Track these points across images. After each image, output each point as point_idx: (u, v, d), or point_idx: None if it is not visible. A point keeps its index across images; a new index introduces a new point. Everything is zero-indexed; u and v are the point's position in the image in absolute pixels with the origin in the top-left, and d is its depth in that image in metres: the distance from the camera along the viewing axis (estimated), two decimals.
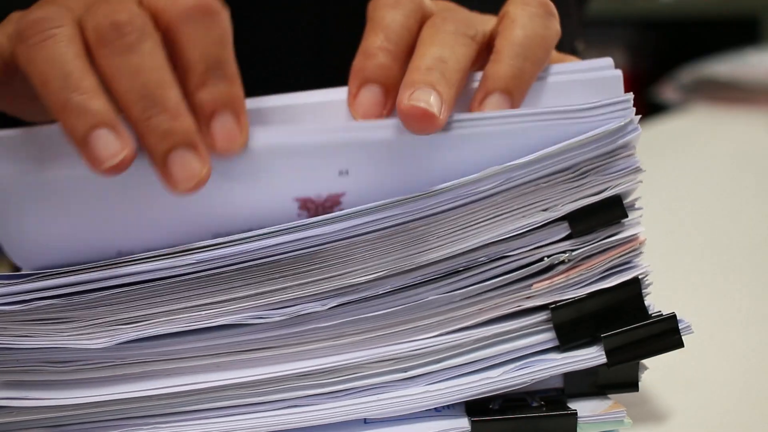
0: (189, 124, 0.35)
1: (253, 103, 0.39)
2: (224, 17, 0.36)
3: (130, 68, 0.35)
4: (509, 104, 0.39)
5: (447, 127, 0.38)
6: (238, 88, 0.36)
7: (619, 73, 0.40)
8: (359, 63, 0.39)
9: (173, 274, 0.37)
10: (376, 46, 0.39)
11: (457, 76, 0.38)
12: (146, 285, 0.37)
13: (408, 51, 0.39)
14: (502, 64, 0.39)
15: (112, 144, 0.34)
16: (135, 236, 0.39)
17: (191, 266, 0.37)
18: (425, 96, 0.37)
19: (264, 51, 0.41)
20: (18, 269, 0.40)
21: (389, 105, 0.39)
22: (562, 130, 0.38)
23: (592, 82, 0.40)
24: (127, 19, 0.35)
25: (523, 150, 0.38)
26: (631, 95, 0.38)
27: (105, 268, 0.37)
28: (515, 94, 0.39)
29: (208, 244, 0.37)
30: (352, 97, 0.39)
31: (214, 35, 0.36)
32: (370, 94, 0.39)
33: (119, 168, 0.35)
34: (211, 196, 0.37)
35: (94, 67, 0.35)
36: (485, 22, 0.41)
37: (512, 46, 0.39)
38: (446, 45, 0.39)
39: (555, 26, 0.41)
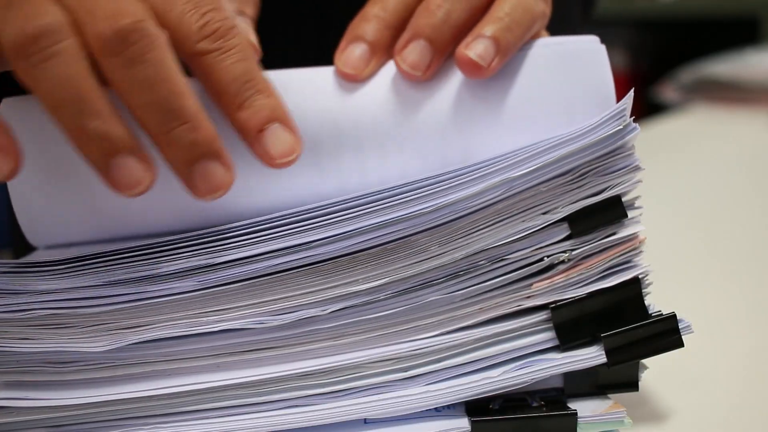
0: (210, 133, 0.34)
1: None
2: (239, 31, 0.36)
3: (142, 81, 0.33)
4: (495, 49, 0.40)
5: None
6: (275, 97, 0.36)
7: (602, 48, 0.41)
8: (353, 24, 0.42)
9: (173, 291, 0.37)
10: (372, 14, 0.42)
11: (465, 15, 0.41)
12: (148, 301, 0.37)
13: (403, 24, 0.42)
14: (489, 22, 0.41)
15: (135, 170, 0.34)
16: (150, 215, 0.39)
17: (192, 285, 0.37)
18: (414, 53, 0.40)
19: (265, 45, 0.41)
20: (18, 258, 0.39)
21: (373, 63, 0.41)
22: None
23: (575, 52, 0.41)
24: (131, 26, 0.33)
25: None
26: (625, 104, 0.38)
27: (106, 286, 0.37)
28: (501, 42, 0.40)
29: (210, 263, 0.37)
30: (340, 52, 0.41)
31: (237, 54, 0.36)
32: (357, 49, 0.41)
33: (143, 192, 0.34)
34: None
35: (102, 78, 0.34)
36: None
37: (501, 7, 0.41)
38: None
39: (542, 6, 0.43)
